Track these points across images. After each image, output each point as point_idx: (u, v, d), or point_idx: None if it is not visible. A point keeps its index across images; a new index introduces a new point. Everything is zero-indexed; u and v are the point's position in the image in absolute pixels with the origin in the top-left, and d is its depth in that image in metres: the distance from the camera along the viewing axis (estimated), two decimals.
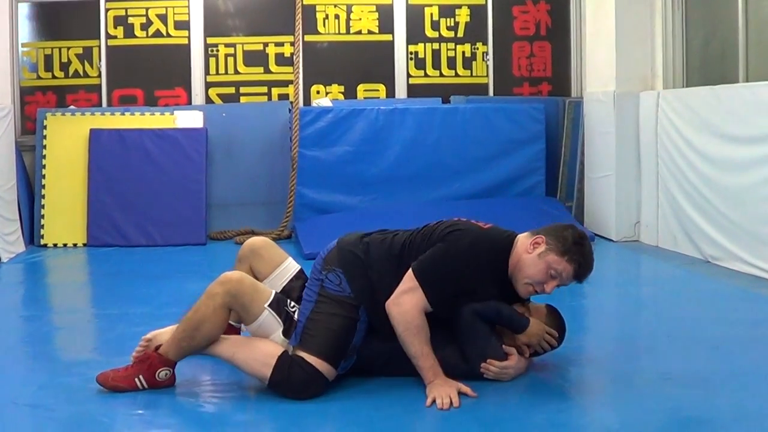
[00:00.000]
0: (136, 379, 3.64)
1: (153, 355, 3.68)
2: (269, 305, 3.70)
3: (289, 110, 8.62)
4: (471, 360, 3.73)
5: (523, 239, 3.77)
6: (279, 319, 3.70)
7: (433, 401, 3.49)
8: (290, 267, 4.08)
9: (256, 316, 3.68)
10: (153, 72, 9.06)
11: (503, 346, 3.78)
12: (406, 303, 3.60)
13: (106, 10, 8.94)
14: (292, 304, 3.79)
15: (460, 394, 3.55)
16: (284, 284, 4.00)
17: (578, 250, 3.68)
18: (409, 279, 3.64)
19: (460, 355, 3.74)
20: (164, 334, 3.80)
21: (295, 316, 3.74)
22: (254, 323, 3.70)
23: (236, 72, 9.15)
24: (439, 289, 3.63)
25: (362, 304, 3.70)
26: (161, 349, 3.68)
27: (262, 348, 3.64)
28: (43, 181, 8.24)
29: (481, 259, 3.69)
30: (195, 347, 3.67)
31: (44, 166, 8.27)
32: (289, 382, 3.56)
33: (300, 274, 4.07)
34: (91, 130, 8.31)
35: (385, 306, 3.64)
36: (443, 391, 3.52)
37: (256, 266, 4.07)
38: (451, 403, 3.47)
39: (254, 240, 4.20)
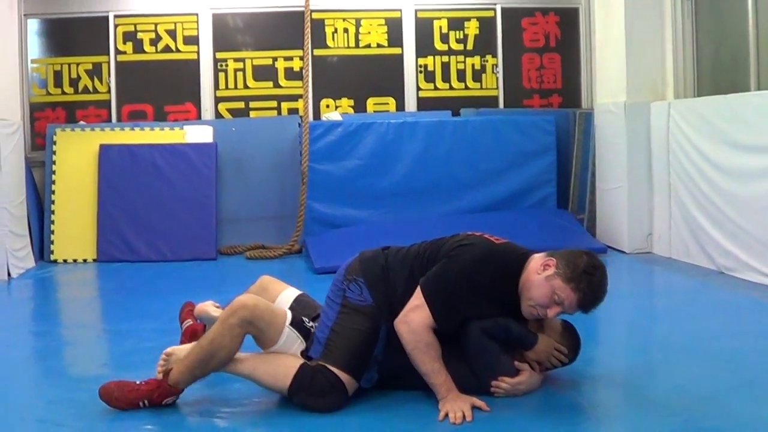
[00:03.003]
0: (140, 403, 3.61)
1: (164, 385, 3.62)
2: (291, 324, 3.70)
3: (299, 124, 8.61)
4: (481, 377, 3.69)
5: (536, 259, 3.69)
6: (301, 337, 3.70)
7: (446, 415, 3.46)
8: (288, 294, 4.11)
9: (276, 336, 3.66)
10: (162, 87, 9.09)
11: (515, 362, 3.74)
12: (414, 321, 3.56)
13: (116, 26, 8.98)
14: (308, 320, 3.79)
15: (474, 408, 3.51)
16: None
17: (587, 279, 3.56)
18: (416, 296, 3.61)
19: (469, 370, 3.70)
20: (183, 350, 3.77)
21: (313, 330, 3.74)
22: (275, 345, 3.67)
23: (245, 87, 9.17)
24: (444, 307, 3.58)
25: (383, 313, 3.67)
26: (171, 378, 3.62)
27: (283, 360, 3.64)
28: (53, 197, 8.25)
29: (486, 276, 3.62)
30: (207, 374, 3.65)
31: (54, 182, 8.28)
32: (310, 388, 3.54)
33: (302, 296, 4.11)
34: (101, 146, 8.33)
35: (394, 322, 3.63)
36: (456, 405, 3.49)
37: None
38: (464, 417, 3.43)
39: (263, 278, 4.30)
